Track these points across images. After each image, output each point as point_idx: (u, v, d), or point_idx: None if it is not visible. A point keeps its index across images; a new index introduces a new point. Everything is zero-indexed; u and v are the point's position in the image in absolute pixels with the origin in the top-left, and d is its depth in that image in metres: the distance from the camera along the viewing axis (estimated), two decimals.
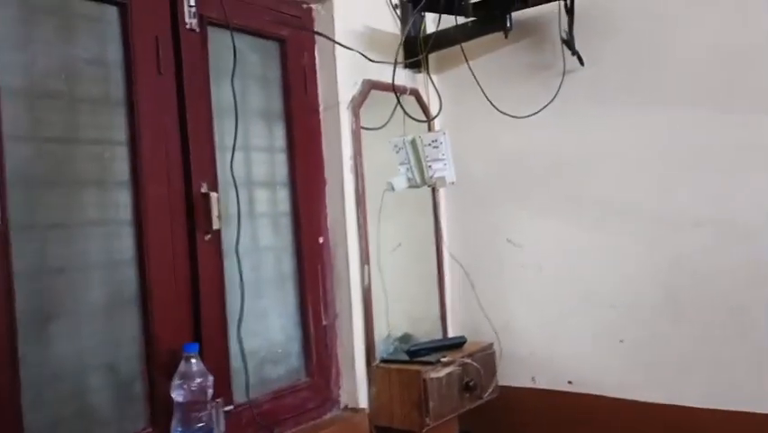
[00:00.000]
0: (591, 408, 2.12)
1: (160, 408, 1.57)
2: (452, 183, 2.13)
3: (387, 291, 2.16)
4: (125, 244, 1.58)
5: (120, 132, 1.58)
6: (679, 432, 1.97)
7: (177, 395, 1.52)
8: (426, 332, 2.31)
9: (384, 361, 2.09)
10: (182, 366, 1.53)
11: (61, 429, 1.43)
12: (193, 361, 1.54)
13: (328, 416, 1.99)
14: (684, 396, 1.97)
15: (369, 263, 2.09)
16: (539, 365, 2.24)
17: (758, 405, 1.86)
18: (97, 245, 1.52)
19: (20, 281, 1.36)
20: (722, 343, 1.92)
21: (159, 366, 1.58)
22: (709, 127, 1.92)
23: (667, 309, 2.01)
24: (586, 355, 2.15)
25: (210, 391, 1.55)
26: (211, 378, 1.55)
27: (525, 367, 2.26)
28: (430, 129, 2.34)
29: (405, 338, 2.21)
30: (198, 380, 1.52)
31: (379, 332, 2.12)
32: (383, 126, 2.14)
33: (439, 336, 2.36)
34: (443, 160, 2.18)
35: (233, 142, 1.77)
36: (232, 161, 1.76)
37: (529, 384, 2.26)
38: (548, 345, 2.23)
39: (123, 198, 1.58)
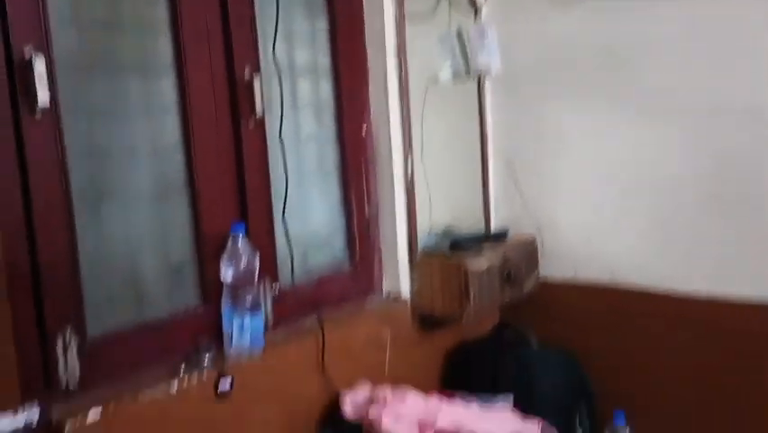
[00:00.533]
0: (632, 301, 2.12)
1: (209, 287, 1.62)
2: (498, 73, 2.08)
3: (430, 186, 2.15)
4: (171, 130, 1.59)
5: (162, 17, 1.56)
6: (720, 325, 1.97)
7: (225, 273, 1.57)
8: (469, 227, 2.31)
9: (426, 252, 2.10)
10: (230, 246, 1.58)
11: (117, 303, 1.50)
12: (240, 240, 1.58)
13: (370, 304, 2.04)
14: (726, 291, 1.95)
15: (412, 156, 2.07)
16: (581, 260, 2.23)
17: None
18: (143, 131, 1.54)
19: (72, 161, 1.39)
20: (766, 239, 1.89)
21: (207, 249, 1.62)
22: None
23: (711, 205, 1.96)
24: (629, 250, 2.13)
25: (257, 271, 1.60)
26: (257, 256, 1.60)
27: (566, 261, 2.25)
28: (477, 17, 2.26)
29: (447, 232, 2.22)
30: (246, 258, 1.57)
31: (422, 224, 2.12)
32: (429, 14, 2.07)
33: (482, 230, 2.36)
34: (489, 51, 2.12)
35: (274, 28, 1.74)
36: (274, 46, 1.74)
37: (570, 278, 2.26)
38: (591, 239, 2.21)
39: (168, 85, 1.58)
